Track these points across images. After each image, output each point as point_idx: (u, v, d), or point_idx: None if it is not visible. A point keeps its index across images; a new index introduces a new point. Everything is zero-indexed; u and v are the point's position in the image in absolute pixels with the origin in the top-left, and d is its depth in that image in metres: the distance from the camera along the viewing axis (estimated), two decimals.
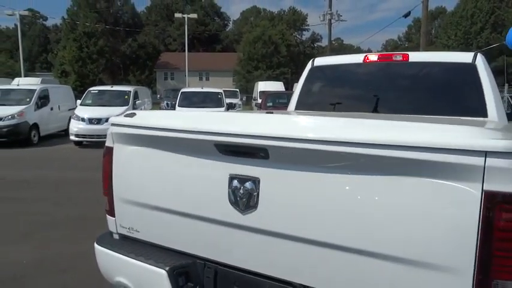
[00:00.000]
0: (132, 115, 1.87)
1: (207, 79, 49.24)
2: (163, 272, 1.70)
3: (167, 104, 21.68)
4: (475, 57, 3.04)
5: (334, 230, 1.39)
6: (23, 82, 17.79)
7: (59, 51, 43.36)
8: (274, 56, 44.73)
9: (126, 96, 11.75)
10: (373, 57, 3.39)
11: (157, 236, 1.88)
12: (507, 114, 3.80)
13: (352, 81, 3.55)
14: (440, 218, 1.23)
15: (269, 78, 34.15)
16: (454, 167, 1.19)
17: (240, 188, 1.55)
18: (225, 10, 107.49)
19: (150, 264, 1.76)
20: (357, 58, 3.46)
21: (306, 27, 64.79)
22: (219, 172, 1.60)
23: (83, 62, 40.44)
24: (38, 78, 23.80)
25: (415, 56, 3.26)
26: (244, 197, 1.54)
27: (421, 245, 1.25)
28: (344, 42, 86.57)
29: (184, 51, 30.73)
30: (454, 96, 3.12)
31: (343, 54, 3.76)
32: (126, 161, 1.92)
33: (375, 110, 3.20)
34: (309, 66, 3.68)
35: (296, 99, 3.65)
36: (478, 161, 1.16)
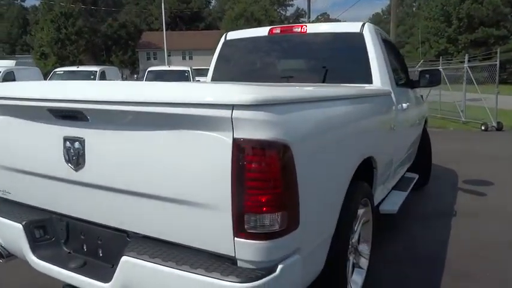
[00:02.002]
0: None
1: (191, 58, 48.79)
2: (20, 226, 1.92)
3: None
4: (362, 26, 3.23)
5: (138, 179, 1.60)
6: None
7: (37, 32, 42.53)
8: None
9: (92, 77, 11.79)
10: (277, 30, 3.57)
11: (23, 195, 2.09)
12: (414, 81, 4.02)
13: (259, 53, 3.74)
14: (203, 164, 1.44)
15: None
16: (209, 119, 1.39)
17: (71, 148, 1.76)
18: None
19: (10, 220, 1.98)
20: (264, 31, 3.63)
21: (290, 3, 64.22)
22: (56, 134, 1.80)
23: (62, 44, 39.84)
24: (13, 61, 23.51)
25: (312, 28, 3.44)
26: (75, 155, 1.75)
27: (191, 186, 1.47)
28: (331, 17, 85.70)
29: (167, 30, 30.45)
30: (345, 65, 3.33)
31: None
32: None
33: (277, 80, 3.40)
34: (222, 40, 3.86)
35: (211, 72, 3.84)
36: (227, 113, 1.37)
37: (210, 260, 1.49)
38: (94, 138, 1.71)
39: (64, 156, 1.78)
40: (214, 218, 1.46)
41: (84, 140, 1.72)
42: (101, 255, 1.84)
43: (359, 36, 3.20)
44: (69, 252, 1.94)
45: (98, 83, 1.77)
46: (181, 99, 1.41)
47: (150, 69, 13.83)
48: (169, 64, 27.96)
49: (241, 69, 3.75)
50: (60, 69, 12.64)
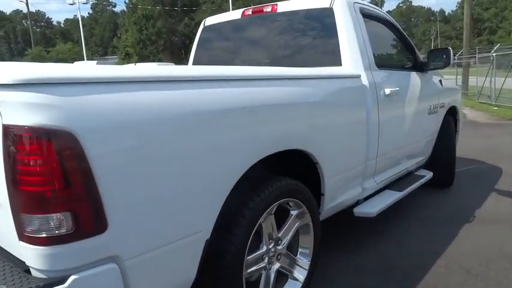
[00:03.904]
0: None
1: None
2: None
3: None
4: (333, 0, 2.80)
5: None
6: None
7: (122, 34, 45.85)
8: None
9: None
10: (249, 11, 3.27)
11: None
12: (423, 64, 3.48)
13: (234, 36, 3.46)
14: None
15: None
16: None
17: None
18: None
19: None
20: (238, 14, 3.35)
21: None
22: None
23: (143, 44, 42.43)
24: (94, 61, 25.64)
25: (282, 6, 3.07)
26: None
27: None
28: (413, 4, 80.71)
29: None
30: (315, 45, 2.93)
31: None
32: None
33: (249, 63, 3.12)
34: (201, 26, 3.66)
35: (191, 60, 3.68)
36: None
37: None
38: None
39: None
40: (4, 218, 1.28)
41: None
42: None
43: (328, 12, 2.79)
44: None
45: None
46: None
47: None
48: None
49: (218, 54, 3.52)
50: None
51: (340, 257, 2.80)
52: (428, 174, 3.72)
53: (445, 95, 3.90)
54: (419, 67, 3.56)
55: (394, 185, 3.30)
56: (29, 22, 66.39)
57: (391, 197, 3.04)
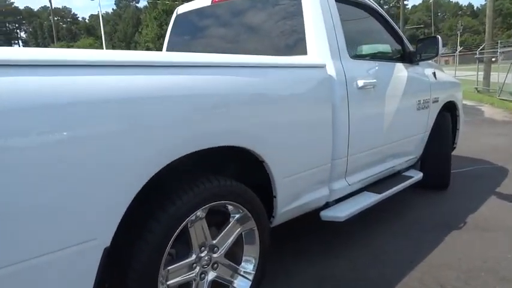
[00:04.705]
0: None
1: None
2: None
3: None
4: None
5: None
6: None
7: (143, 30, 46.32)
8: None
9: None
10: None
11: None
12: (411, 54, 3.21)
13: (204, 24, 3.25)
14: None
15: None
16: None
17: None
18: None
19: None
20: (208, 0, 3.13)
21: None
22: None
23: (163, 39, 42.71)
24: None
25: None
26: None
27: None
28: None
29: None
30: (282, 33, 2.68)
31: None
32: None
33: (215, 51, 2.90)
34: (174, 14, 3.48)
35: (165, 47, 3.51)
36: None
37: None
38: None
39: None
40: None
41: None
42: None
43: None
44: None
45: None
46: None
47: None
48: None
49: (188, 42, 3.32)
50: None
51: (306, 265, 2.56)
52: (417, 175, 3.42)
53: (439, 89, 3.58)
54: (408, 58, 3.26)
55: (375, 186, 3.03)
56: (54, 18, 67.90)
57: (366, 200, 2.77)
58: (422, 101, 3.32)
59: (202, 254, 1.81)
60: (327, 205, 2.63)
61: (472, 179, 4.27)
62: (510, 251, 2.67)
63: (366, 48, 2.88)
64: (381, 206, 3.02)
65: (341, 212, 2.56)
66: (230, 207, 1.90)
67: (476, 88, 15.41)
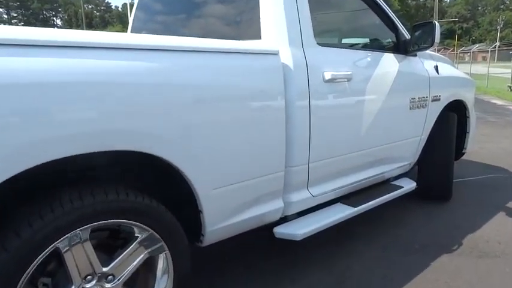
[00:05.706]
0: None
1: None
2: None
3: None
4: None
5: None
6: None
7: None
8: None
9: None
10: None
11: None
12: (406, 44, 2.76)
13: (164, 4, 2.88)
14: None
15: None
16: None
17: None
18: None
19: None
20: None
21: None
22: None
23: None
24: None
25: None
26: None
27: None
28: None
29: None
30: (235, 15, 2.27)
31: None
32: None
33: (175, 33, 2.54)
34: None
35: (130, 24, 3.16)
36: None
37: None
38: None
39: None
40: None
41: None
42: None
43: None
44: None
45: None
46: None
47: None
48: None
49: (150, 25, 2.96)
50: None
51: None
52: (409, 185, 2.94)
53: (441, 86, 3.06)
54: (403, 48, 2.78)
55: (354, 196, 2.59)
56: (89, 6, 69.22)
57: (335, 215, 2.34)
58: (417, 99, 2.83)
59: (88, 285, 1.45)
60: (286, 219, 2.22)
61: (480, 190, 3.73)
62: (506, 285, 2.18)
63: (344, 35, 2.43)
64: (361, 218, 2.59)
65: (299, 229, 2.15)
66: (132, 228, 1.53)
67: (509, 86, 14.37)
